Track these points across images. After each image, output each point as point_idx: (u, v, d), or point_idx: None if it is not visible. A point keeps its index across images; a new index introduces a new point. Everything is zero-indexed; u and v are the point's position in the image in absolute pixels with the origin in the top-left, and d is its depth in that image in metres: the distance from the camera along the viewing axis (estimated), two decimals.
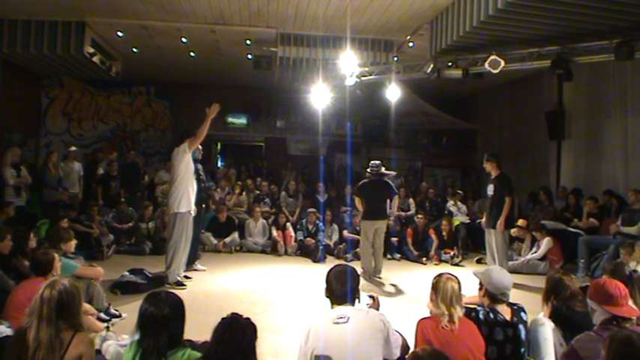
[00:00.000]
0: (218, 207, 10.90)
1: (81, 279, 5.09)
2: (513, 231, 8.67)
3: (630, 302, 3.24)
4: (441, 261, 9.73)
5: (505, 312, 3.47)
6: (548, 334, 3.52)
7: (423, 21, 9.46)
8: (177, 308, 2.87)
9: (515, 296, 3.73)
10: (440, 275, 3.47)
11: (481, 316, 3.41)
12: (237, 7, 9.08)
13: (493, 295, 3.51)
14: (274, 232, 10.45)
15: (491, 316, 3.42)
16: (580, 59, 8.04)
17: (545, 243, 8.83)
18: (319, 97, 10.46)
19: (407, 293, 7.41)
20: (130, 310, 5.33)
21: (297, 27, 10.13)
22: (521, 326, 3.44)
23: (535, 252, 8.95)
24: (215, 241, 10.15)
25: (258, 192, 12.06)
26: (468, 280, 4.05)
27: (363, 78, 10.16)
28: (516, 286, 7.65)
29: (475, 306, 3.55)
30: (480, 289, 3.62)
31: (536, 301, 4.58)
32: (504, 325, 3.39)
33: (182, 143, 7.37)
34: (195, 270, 8.16)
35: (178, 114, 15.74)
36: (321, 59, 10.55)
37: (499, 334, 3.36)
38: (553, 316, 3.74)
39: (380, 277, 8.02)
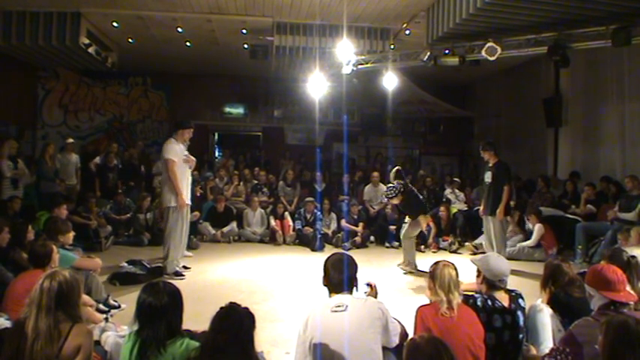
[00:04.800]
0: (216, 197, 10.89)
1: (79, 270, 5.09)
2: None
3: (628, 287, 3.25)
4: (439, 248, 9.76)
5: (503, 299, 3.47)
6: (546, 320, 3.53)
7: (419, 8, 9.42)
8: (175, 298, 2.88)
9: (512, 283, 3.74)
10: (437, 263, 3.47)
11: (479, 303, 3.41)
12: None
13: (491, 281, 3.51)
14: (272, 222, 10.45)
15: (490, 303, 3.42)
16: (577, 45, 8.02)
17: (537, 230, 8.88)
18: (316, 87, 10.43)
19: (405, 281, 7.44)
20: (129, 300, 5.33)
21: (294, 16, 10.08)
22: (519, 313, 3.45)
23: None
24: (213, 231, 10.17)
25: (256, 182, 12.06)
26: (466, 267, 4.05)
27: (359, 66, 10.12)
28: (513, 272, 7.67)
29: (473, 293, 3.56)
30: (478, 276, 3.62)
31: (533, 288, 4.59)
32: (502, 311, 3.40)
33: (172, 135, 7.37)
34: (184, 256, 8.08)
35: (175, 104, 15.70)
36: (318, 48, 10.51)
37: (497, 321, 3.36)
38: (551, 302, 3.75)
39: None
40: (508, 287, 3.60)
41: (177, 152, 7.19)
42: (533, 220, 9.04)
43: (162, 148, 7.28)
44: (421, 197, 8.30)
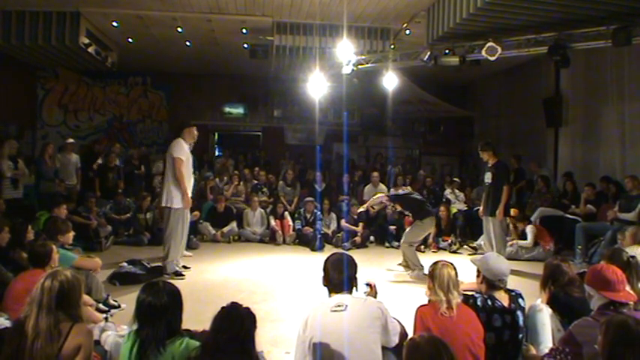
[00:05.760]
0: (216, 197, 10.89)
1: (79, 270, 5.09)
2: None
3: (628, 287, 3.25)
4: (439, 249, 9.76)
5: (503, 298, 3.47)
6: (546, 320, 3.52)
7: (419, 8, 9.42)
8: (174, 298, 2.88)
9: (511, 283, 3.74)
10: (436, 263, 3.48)
11: (479, 303, 3.41)
12: None
13: (491, 281, 3.51)
14: (272, 222, 10.44)
15: (489, 302, 3.42)
16: (577, 45, 8.02)
17: (530, 230, 8.92)
18: (316, 86, 10.43)
19: (405, 281, 7.44)
20: (129, 300, 5.31)
21: (294, 15, 10.08)
22: (519, 312, 3.45)
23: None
24: (213, 231, 10.17)
25: (256, 181, 12.06)
26: (465, 267, 4.06)
27: (359, 66, 10.12)
28: (513, 272, 7.67)
29: (473, 293, 3.56)
30: (478, 276, 3.63)
31: (533, 288, 4.59)
32: (502, 311, 3.40)
33: (178, 136, 7.33)
34: (184, 256, 8.06)
35: (175, 104, 15.71)
36: (318, 48, 10.51)
37: (497, 321, 3.36)
38: (551, 302, 3.75)
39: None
40: (508, 287, 3.60)
41: (185, 152, 7.21)
42: (522, 225, 9.08)
43: (171, 147, 7.23)
44: (424, 201, 8.27)
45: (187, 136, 7.34)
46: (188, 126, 7.41)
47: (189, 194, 7.38)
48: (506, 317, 3.39)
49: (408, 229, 7.96)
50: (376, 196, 8.36)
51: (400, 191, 8.69)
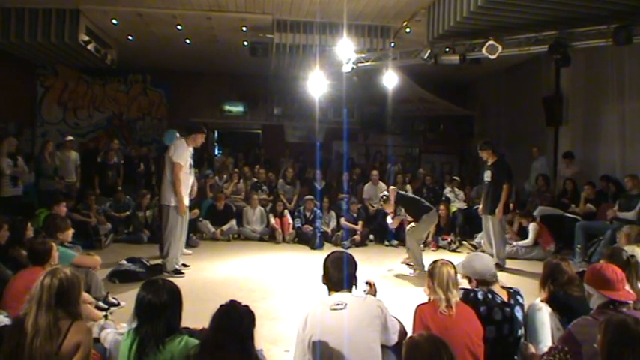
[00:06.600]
0: (216, 195, 10.89)
1: (79, 268, 5.09)
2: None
3: (627, 286, 3.25)
4: (438, 247, 9.76)
5: (502, 294, 3.51)
6: (545, 318, 3.53)
7: (420, 6, 9.42)
8: (174, 295, 2.88)
9: (511, 282, 3.76)
10: (435, 261, 3.49)
11: (480, 297, 3.44)
12: None
13: (482, 280, 3.55)
14: (272, 220, 10.43)
15: (490, 296, 3.45)
16: (577, 44, 8.02)
17: (532, 229, 8.90)
18: (316, 85, 10.41)
19: (404, 279, 7.44)
20: (129, 298, 5.31)
21: (294, 13, 10.08)
22: (517, 307, 3.48)
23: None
24: (213, 229, 10.15)
25: (255, 180, 12.05)
26: None
27: (359, 65, 10.12)
28: (513, 271, 7.74)
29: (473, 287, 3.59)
30: (470, 281, 3.65)
31: (532, 287, 4.59)
32: (502, 305, 3.43)
33: (184, 138, 7.30)
34: (183, 254, 8.05)
35: (175, 102, 15.71)
36: (318, 46, 10.50)
37: (497, 314, 3.39)
38: (550, 301, 3.75)
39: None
40: (505, 285, 3.62)
41: (185, 157, 7.18)
42: (526, 222, 9.07)
43: (172, 149, 7.18)
44: (422, 200, 8.31)
45: (191, 142, 7.32)
46: (199, 132, 7.39)
47: (187, 198, 7.34)
48: (506, 310, 3.42)
49: (411, 226, 7.94)
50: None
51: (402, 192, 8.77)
